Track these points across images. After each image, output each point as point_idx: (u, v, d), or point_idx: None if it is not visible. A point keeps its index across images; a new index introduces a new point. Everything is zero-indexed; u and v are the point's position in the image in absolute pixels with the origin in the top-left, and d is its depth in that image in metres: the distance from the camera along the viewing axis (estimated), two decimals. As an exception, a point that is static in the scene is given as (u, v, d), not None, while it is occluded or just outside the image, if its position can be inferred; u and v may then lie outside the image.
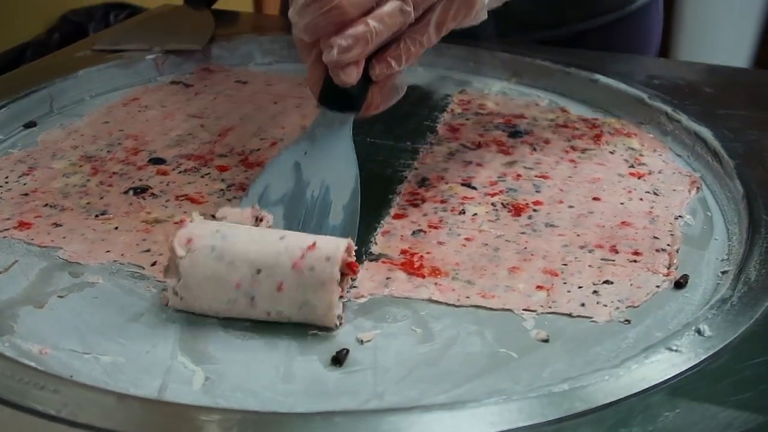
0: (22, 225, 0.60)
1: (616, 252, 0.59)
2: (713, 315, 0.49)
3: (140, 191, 0.64)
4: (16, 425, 0.39)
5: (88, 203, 0.63)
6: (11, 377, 0.41)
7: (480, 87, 0.89)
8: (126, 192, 0.64)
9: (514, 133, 0.77)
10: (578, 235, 0.61)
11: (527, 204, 0.65)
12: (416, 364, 0.47)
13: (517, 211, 0.64)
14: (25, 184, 0.65)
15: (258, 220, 0.54)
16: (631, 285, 0.55)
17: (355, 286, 0.54)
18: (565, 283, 0.55)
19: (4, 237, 0.58)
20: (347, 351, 0.48)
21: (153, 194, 0.64)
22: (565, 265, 0.57)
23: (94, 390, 0.42)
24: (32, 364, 0.45)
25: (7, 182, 0.65)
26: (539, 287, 0.54)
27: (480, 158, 0.72)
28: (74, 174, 0.67)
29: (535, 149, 0.74)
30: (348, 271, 0.49)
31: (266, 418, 0.40)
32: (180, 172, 0.68)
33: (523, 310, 0.52)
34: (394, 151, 0.74)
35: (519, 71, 0.90)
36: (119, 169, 0.68)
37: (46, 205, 0.62)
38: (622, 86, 0.82)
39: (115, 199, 0.64)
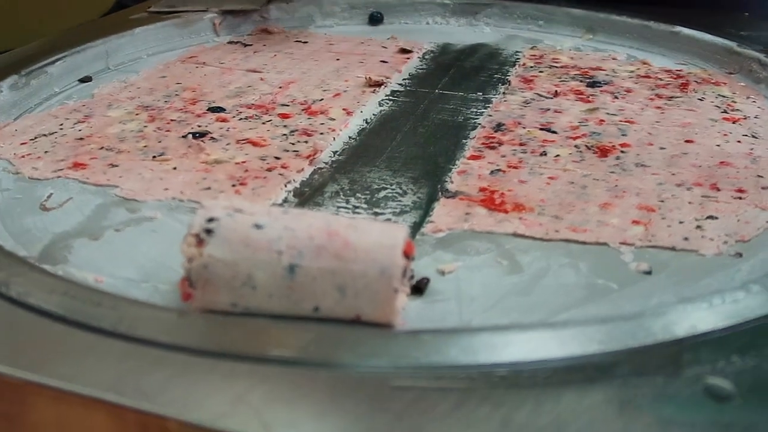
0: (77, 165, 0.56)
1: (718, 189, 0.53)
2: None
3: (199, 135, 0.61)
4: (71, 342, 0.35)
5: (145, 146, 0.59)
6: (65, 294, 0.38)
7: (552, 44, 0.84)
8: (184, 136, 0.61)
9: (593, 83, 0.72)
10: (673, 174, 0.55)
11: (614, 146, 0.60)
12: (505, 294, 0.42)
13: (603, 152, 0.59)
14: (80, 130, 0.62)
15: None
16: (738, 221, 0.50)
17: (431, 221, 0.49)
18: (663, 218, 0.50)
19: (59, 177, 0.55)
20: (428, 280, 0.43)
21: (213, 138, 0.61)
22: (662, 201, 0.52)
23: (153, 307, 0.38)
24: (87, 291, 0.42)
25: (61, 128, 0.62)
26: (635, 222, 0.49)
27: (558, 105, 0.67)
28: (131, 121, 0.64)
29: (616, 97, 0.69)
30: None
31: (345, 336, 0.36)
32: (240, 119, 0.64)
33: (620, 243, 0.47)
34: (464, 101, 0.69)
35: (593, 27, 0.85)
36: (177, 117, 0.65)
37: (102, 148, 0.59)
38: (708, 36, 0.77)
39: (173, 142, 0.60)
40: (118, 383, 0.32)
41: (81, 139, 0.60)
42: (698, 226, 0.49)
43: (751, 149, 0.59)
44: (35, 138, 0.61)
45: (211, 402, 0.31)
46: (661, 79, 0.73)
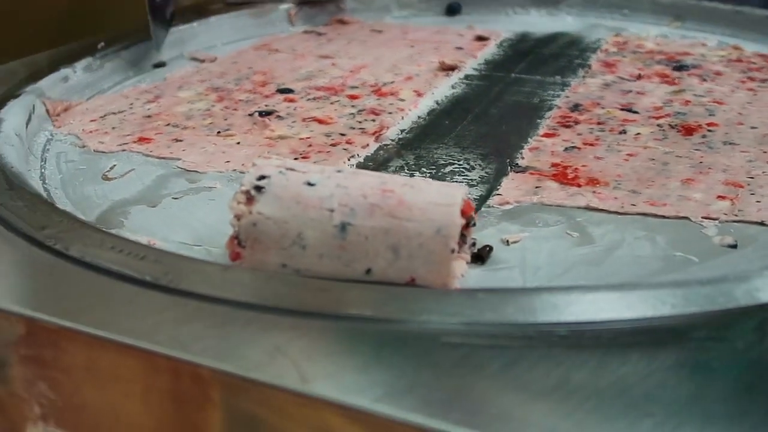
0: (142, 140, 0.56)
1: (814, 168, 0.49)
2: None
3: (266, 114, 0.60)
4: (112, 292, 0.34)
5: (211, 123, 0.59)
6: (111, 248, 0.37)
7: (636, 32, 0.80)
8: (251, 114, 0.60)
9: (680, 67, 0.68)
10: (765, 152, 0.51)
11: (700, 125, 0.56)
12: (573, 264, 0.39)
13: (688, 131, 0.55)
14: (148, 109, 0.62)
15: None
16: (836, 198, 0.45)
17: (499, 194, 0.47)
18: (752, 194, 0.46)
19: (123, 150, 0.55)
20: (491, 248, 0.40)
21: (279, 116, 0.60)
22: (752, 178, 0.48)
23: (196, 261, 0.37)
24: (139, 253, 0.41)
25: (131, 107, 0.62)
26: (720, 197, 0.46)
27: (641, 88, 0.64)
28: (199, 101, 0.63)
29: (705, 80, 0.65)
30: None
31: (395, 292, 0.34)
32: (308, 99, 0.63)
33: (702, 218, 0.44)
34: (542, 84, 0.66)
35: (682, 15, 0.81)
36: (245, 97, 0.64)
37: (168, 124, 0.59)
38: (805, 20, 0.72)
39: (239, 120, 0.59)
40: (153, 331, 0.30)
41: (149, 116, 0.60)
42: (791, 203, 0.45)
43: None
44: (104, 116, 0.61)
45: (248, 352, 0.29)
46: (754, 63, 0.69)
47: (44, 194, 0.47)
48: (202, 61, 0.74)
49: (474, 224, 0.38)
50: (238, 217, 0.37)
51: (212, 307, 0.32)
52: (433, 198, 0.36)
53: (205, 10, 0.83)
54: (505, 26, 0.84)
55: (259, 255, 0.37)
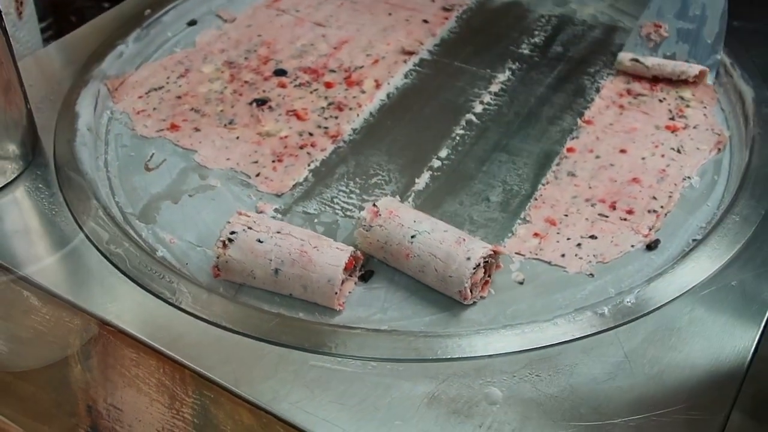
0: (173, 127, 0.81)
1: (614, 209, 0.72)
2: (642, 287, 0.63)
3: (261, 103, 0.83)
4: (137, 302, 0.61)
5: (221, 111, 0.83)
6: (139, 264, 0.64)
7: (575, 7, 0.99)
8: (250, 103, 0.84)
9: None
10: (590, 188, 0.74)
11: (572, 148, 0.78)
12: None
13: (547, 156, 0.78)
14: (180, 86, 0.86)
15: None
16: (611, 242, 0.69)
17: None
18: (558, 233, 0.70)
19: (160, 136, 0.80)
20: (372, 272, 0.67)
21: (270, 107, 0.83)
22: (566, 216, 0.72)
23: (195, 284, 0.64)
24: (164, 250, 0.68)
25: (168, 82, 0.86)
26: (536, 234, 0.70)
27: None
28: (217, 80, 0.87)
29: (598, 89, 0.86)
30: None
31: (310, 327, 0.61)
32: (296, 85, 0.86)
33: (516, 253, 0.68)
34: (473, 80, 0.88)
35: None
36: (250, 78, 0.87)
37: (192, 109, 0.83)
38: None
39: (241, 109, 0.83)
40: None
41: (179, 97, 0.84)
42: (579, 244, 0.69)
43: (667, 166, 0.76)
44: (148, 92, 0.85)
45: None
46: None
47: (107, 183, 0.74)
48: (225, 20, 0.96)
49: (357, 266, 0.65)
50: (218, 256, 0.64)
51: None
52: (329, 260, 0.62)
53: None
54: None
55: (229, 276, 0.64)
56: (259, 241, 0.63)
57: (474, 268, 0.61)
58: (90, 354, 0.59)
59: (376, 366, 0.57)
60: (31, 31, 0.91)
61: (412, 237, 0.63)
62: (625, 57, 0.86)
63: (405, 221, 0.64)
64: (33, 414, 0.61)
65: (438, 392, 0.56)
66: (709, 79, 0.84)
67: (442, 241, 0.63)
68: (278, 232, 0.64)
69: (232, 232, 0.64)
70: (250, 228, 0.64)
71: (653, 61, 0.85)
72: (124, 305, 0.61)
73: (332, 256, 0.63)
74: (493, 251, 0.63)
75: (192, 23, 0.95)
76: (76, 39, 0.90)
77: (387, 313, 0.63)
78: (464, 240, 0.63)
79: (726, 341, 0.59)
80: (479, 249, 0.62)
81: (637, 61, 0.85)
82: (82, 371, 0.59)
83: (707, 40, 0.85)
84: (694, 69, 0.83)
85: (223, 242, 0.64)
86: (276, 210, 0.72)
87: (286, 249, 0.63)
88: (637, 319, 0.61)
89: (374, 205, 0.66)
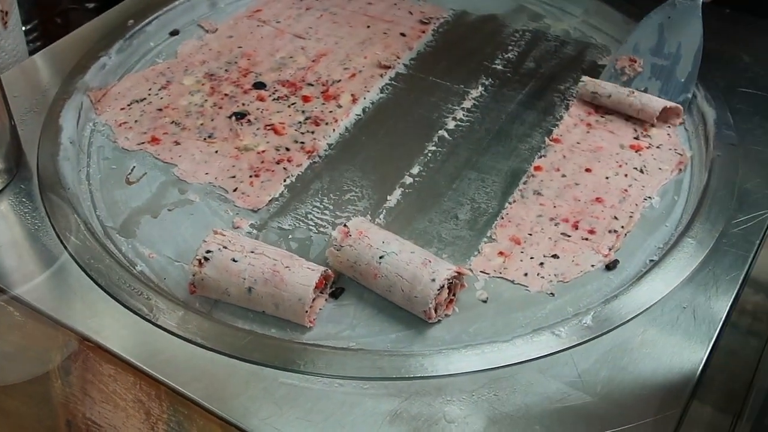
0: (154, 140, 0.83)
1: (576, 228, 0.75)
2: (599, 308, 0.66)
3: (240, 116, 0.86)
4: (115, 318, 0.64)
5: (201, 124, 0.85)
6: (118, 280, 0.67)
7: (550, 23, 1.01)
8: (230, 117, 0.86)
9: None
10: (555, 207, 0.77)
11: (526, 169, 0.81)
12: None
13: (515, 175, 0.81)
14: (161, 98, 0.88)
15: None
16: (572, 261, 0.72)
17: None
18: (522, 252, 0.73)
19: (141, 149, 0.82)
20: (343, 289, 0.70)
21: (249, 121, 0.86)
22: (530, 235, 0.75)
23: (172, 301, 0.67)
24: (143, 264, 0.71)
25: (149, 94, 0.89)
26: (501, 253, 0.73)
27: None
28: (197, 92, 0.89)
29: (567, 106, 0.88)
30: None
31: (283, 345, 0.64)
32: (274, 99, 0.89)
33: (480, 271, 0.72)
34: (447, 95, 0.90)
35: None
36: (230, 91, 0.89)
37: (173, 122, 0.85)
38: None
39: (220, 122, 0.85)
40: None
41: (160, 110, 0.87)
42: (541, 263, 0.72)
43: (629, 186, 0.79)
44: (130, 104, 0.87)
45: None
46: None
47: (89, 197, 0.76)
48: (207, 31, 0.98)
49: (327, 285, 0.68)
50: (194, 274, 0.67)
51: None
52: (300, 280, 0.65)
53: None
54: (448, 2, 1.04)
55: (205, 293, 0.67)
56: (234, 260, 0.66)
57: (438, 290, 0.64)
58: (70, 369, 0.62)
59: (343, 384, 0.60)
60: (17, 40, 0.93)
61: (381, 258, 0.66)
62: (586, 90, 0.88)
63: (374, 242, 0.67)
64: (14, 429, 0.64)
65: (400, 410, 0.59)
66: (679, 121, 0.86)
67: (409, 263, 0.66)
68: (252, 252, 0.67)
69: (208, 251, 0.66)
70: (225, 247, 0.67)
71: (614, 98, 0.87)
72: (104, 321, 0.64)
73: (303, 276, 0.66)
74: (457, 272, 0.66)
75: (174, 33, 0.98)
76: (61, 49, 0.92)
77: (355, 329, 0.66)
78: (430, 261, 0.66)
79: (675, 362, 0.62)
80: (444, 271, 0.65)
81: (596, 93, 0.87)
82: (62, 386, 0.62)
83: (680, 78, 0.88)
84: (653, 109, 0.85)
85: (199, 261, 0.66)
86: (252, 225, 0.75)
87: (259, 268, 0.66)
88: (592, 339, 0.64)
89: (345, 225, 0.69)
